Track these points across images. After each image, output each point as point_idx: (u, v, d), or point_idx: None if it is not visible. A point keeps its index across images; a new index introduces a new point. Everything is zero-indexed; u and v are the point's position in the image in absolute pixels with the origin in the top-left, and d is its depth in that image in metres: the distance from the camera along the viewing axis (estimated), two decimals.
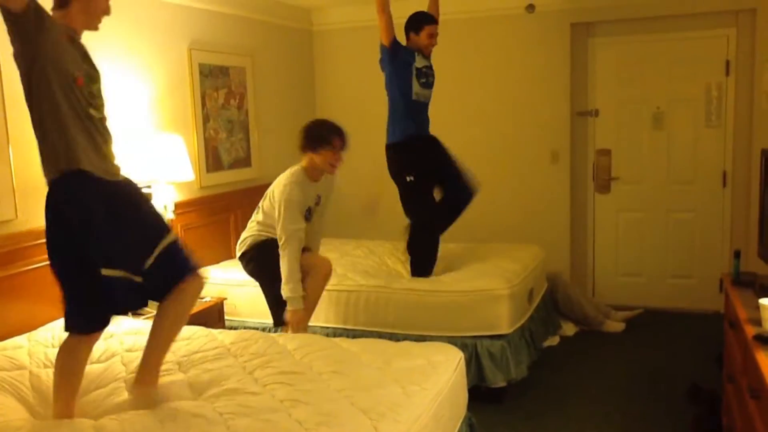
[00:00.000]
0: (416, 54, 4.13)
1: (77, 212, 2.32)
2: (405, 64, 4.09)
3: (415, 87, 4.12)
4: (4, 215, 3.23)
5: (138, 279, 2.42)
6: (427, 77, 4.21)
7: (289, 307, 3.64)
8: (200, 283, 2.57)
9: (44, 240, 2.43)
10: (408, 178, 4.13)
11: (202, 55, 4.63)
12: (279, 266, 3.66)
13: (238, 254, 3.97)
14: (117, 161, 2.51)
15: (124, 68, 4.00)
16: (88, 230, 2.31)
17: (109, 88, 3.82)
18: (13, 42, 2.25)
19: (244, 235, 3.97)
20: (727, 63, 5.16)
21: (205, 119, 4.68)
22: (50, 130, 2.30)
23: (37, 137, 2.34)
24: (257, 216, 3.95)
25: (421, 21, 4.15)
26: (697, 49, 5.23)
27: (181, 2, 4.44)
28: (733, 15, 5.08)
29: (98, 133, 2.39)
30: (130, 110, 4.00)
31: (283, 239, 3.66)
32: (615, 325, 5.02)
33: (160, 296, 2.50)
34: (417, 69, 4.13)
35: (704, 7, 5.06)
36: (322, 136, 3.68)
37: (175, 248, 2.50)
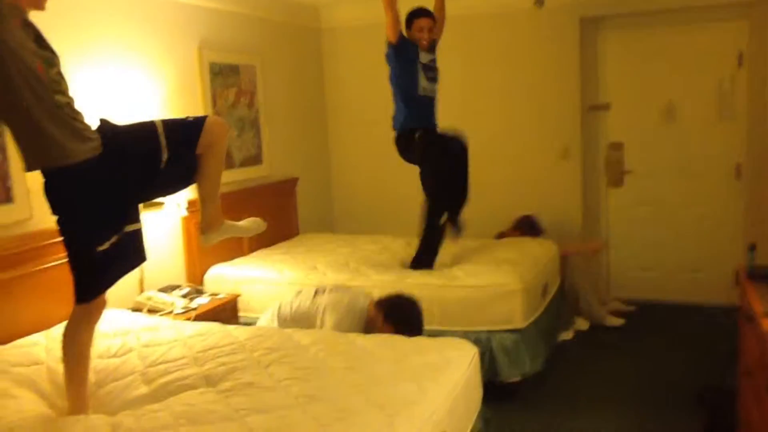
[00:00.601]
0: (419, 49, 4.13)
1: (66, 205, 2.37)
2: (410, 60, 4.12)
3: (422, 82, 4.15)
4: (20, 215, 3.26)
5: (137, 226, 2.51)
6: (433, 71, 4.22)
7: None
8: (216, 122, 2.58)
9: (60, 239, 2.45)
10: (416, 135, 4.15)
11: (212, 54, 4.64)
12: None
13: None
14: (94, 133, 2.42)
15: (136, 67, 4.02)
16: (80, 217, 2.37)
17: (121, 87, 3.86)
18: None
19: None
20: (740, 55, 5.12)
21: None
22: (23, 129, 2.26)
23: (14, 137, 2.30)
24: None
25: (411, 15, 4.20)
26: (709, 42, 5.20)
27: (191, 2, 4.45)
28: (746, 7, 5.04)
29: (71, 118, 2.32)
30: (141, 109, 4.01)
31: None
32: (614, 320, 5.00)
33: (193, 170, 2.58)
34: (422, 64, 4.14)
35: None
36: (403, 321, 3.44)
37: (171, 124, 2.54)
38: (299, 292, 3.70)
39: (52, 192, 2.37)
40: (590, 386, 4.01)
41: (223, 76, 4.77)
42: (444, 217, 4.23)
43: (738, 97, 5.18)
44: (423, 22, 4.17)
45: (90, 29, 3.68)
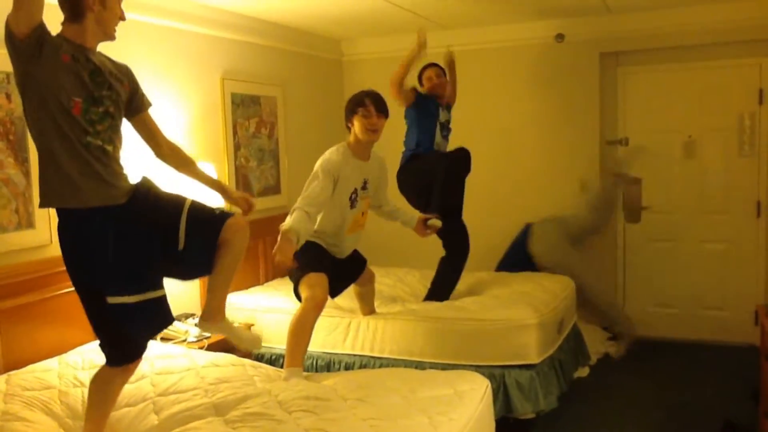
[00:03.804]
0: (439, 107, 4.34)
1: (76, 247, 2.30)
2: (430, 115, 4.31)
3: (437, 138, 4.34)
4: (40, 240, 3.31)
5: (159, 293, 2.42)
6: (447, 130, 4.43)
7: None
8: (237, 223, 2.55)
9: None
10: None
11: (234, 85, 4.71)
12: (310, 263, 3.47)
13: None
14: (124, 182, 2.43)
15: (160, 96, 4.09)
16: (89, 263, 2.30)
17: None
18: (14, 69, 2.21)
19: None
20: (761, 92, 5.11)
21: (237, 147, 4.75)
22: (47, 164, 2.25)
23: (40, 168, 2.30)
24: None
25: (421, 70, 4.49)
26: (729, 78, 5.19)
27: (215, 33, 4.54)
28: (766, 43, 5.03)
29: (97, 161, 2.29)
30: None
31: (298, 204, 3.41)
32: (615, 349, 4.94)
33: (209, 262, 2.54)
34: (440, 123, 4.35)
35: (735, 36, 5.03)
36: (355, 101, 3.58)
37: (197, 208, 2.53)
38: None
39: (63, 233, 2.32)
40: (606, 425, 3.94)
41: (245, 107, 4.84)
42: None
43: (758, 134, 5.15)
44: (430, 72, 4.45)
45: (119, 57, 3.75)
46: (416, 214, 4.06)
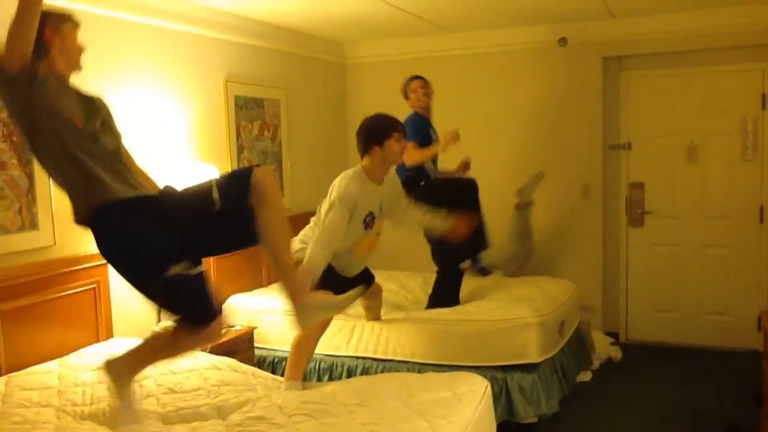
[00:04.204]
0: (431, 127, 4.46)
1: (127, 236, 2.40)
2: (428, 137, 4.41)
3: (428, 164, 4.41)
4: (43, 242, 3.32)
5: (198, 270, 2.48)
6: (436, 161, 4.52)
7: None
8: (260, 170, 2.45)
9: (81, 267, 2.48)
10: (421, 183, 4.28)
11: (237, 88, 4.73)
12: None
13: None
14: (146, 180, 2.58)
15: (164, 99, 4.11)
16: (143, 246, 2.39)
17: (149, 118, 3.95)
18: (7, 104, 2.34)
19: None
20: (764, 97, 5.10)
21: (240, 150, 4.76)
22: (71, 175, 2.37)
23: (60, 184, 2.42)
24: (307, 231, 3.72)
25: (406, 82, 4.60)
26: (732, 83, 5.19)
27: (218, 36, 4.56)
28: None
29: (116, 162, 2.45)
30: (167, 140, 4.10)
31: (317, 239, 3.36)
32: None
33: (250, 228, 2.46)
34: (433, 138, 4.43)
35: (739, 41, 5.02)
36: (385, 129, 3.52)
37: (222, 178, 2.53)
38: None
39: (104, 236, 2.41)
40: (608, 429, 3.94)
41: (248, 109, 4.85)
42: (466, 263, 4.31)
43: (761, 139, 5.14)
44: (415, 84, 4.53)
45: (123, 59, 3.78)
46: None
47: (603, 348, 5.10)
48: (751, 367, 4.51)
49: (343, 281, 3.53)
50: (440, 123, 5.85)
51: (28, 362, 3.09)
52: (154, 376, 3.01)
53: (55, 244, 3.36)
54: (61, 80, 2.42)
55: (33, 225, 3.29)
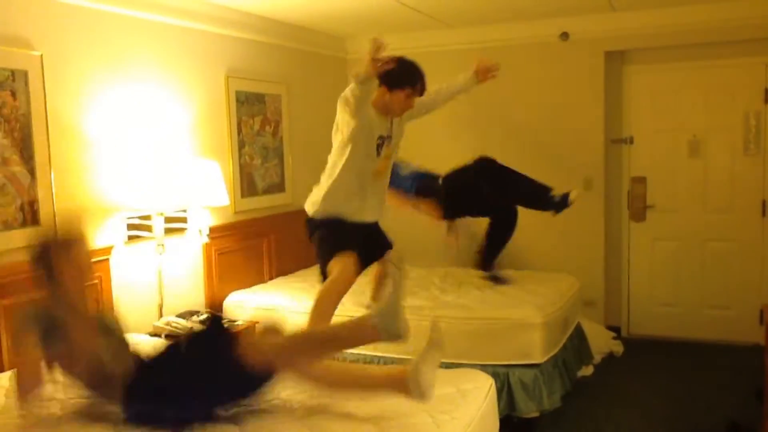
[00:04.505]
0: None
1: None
2: None
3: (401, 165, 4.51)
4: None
5: None
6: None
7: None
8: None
9: None
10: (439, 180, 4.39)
11: (238, 83, 4.72)
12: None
13: (309, 218, 3.68)
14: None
15: (165, 94, 4.10)
16: None
17: (150, 114, 3.94)
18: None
19: (312, 197, 3.67)
20: (766, 91, 5.09)
21: (241, 145, 4.76)
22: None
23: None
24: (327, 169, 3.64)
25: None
26: (735, 77, 5.18)
27: (219, 31, 4.54)
28: None
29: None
30: (168, 135, 4.09)
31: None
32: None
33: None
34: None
35: (741, 34, 5.01)
36: (400, 79, 3.38)
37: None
38: None
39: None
40: (609, 424, 3.94)
41: (249, 105, 4.84)
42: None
43: (764, 134, 5.13)
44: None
45: (124, 55, 3.78)
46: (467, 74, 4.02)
47: (605, 342, 5.11)
48: (753, 362, 4.51)
49: (359, 236, 3.45)
50: (442, 119, 5.86)
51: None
52: None
53: None
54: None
55: (35, 221, 3.29)
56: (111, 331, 2.51)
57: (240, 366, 2.28)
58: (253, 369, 2.31)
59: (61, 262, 2.41)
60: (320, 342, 2.39)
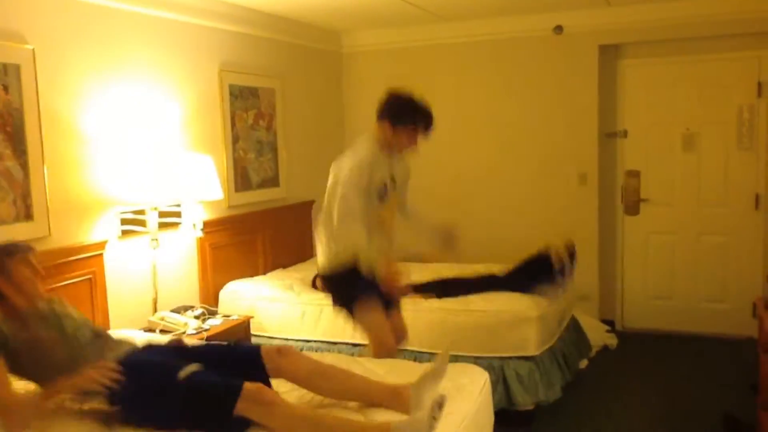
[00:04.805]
0: None
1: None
2: None
3: None
4: (38, 232, 3.30)
5: None
6: None
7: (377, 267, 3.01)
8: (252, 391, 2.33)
9: (76, 257, 2.46)
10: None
11: (232, 77, 4.70)
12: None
13: (321, 275, 3.50)
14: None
15: (157, 88, 4.08)
16: None
17: (143, 108, 3.92)
18: None
19: (320, 257, 3.42)
20: (759, 85, 5.10)
21: (235, 139, 4.74)
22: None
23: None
24: (325, 226, 3.34)
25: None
26: (728, 71, 5.18)
27: (212, 24, 4.52)
28: (765, 36, 5.02)
29: (99, 342, 2.59)
30: (162, 130, 4.07)
31: (338, 217, 3.10)
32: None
33: None
34: None
35: (734, 28, 5.01)
36: (408, 113, 3.23)
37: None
38: None
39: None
40: (604, 416, 3.96)
41: (243, 99, 4.82)
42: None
43: (757, 127, 5.14)
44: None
45: (116, 49, 3.75)
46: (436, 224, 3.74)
47: (599, 335, 5.12)
48: (748, 355, 4.54)
49: (371, 282, 3.23)
50: (436, 112, 5.84)
51: None
52: None
53: (50, 234, 3.34)
54: (23, 319, 2.43)
55: (28, 216, 3.27)
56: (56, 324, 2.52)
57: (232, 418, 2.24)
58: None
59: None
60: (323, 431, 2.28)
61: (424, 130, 3.30)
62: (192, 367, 2.33)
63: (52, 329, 2.46)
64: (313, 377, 2.48)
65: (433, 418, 2.23)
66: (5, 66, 3.15)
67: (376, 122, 3.34)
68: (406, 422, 2.23)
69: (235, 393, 2.22)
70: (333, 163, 3.37)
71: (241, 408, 2.21)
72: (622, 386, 4.42)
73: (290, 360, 2.50)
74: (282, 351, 2.55)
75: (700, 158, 5.33)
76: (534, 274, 3.56)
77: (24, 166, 3.25)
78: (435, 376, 2.51)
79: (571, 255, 3.59)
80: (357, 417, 2.40)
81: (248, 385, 2.24)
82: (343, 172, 3.23)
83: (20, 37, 3.23)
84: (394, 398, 2.45)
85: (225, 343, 2.64)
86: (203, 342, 2.61)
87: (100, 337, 2.64)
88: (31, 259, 2.52)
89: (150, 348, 2.68)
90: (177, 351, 2.60)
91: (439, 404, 2.29)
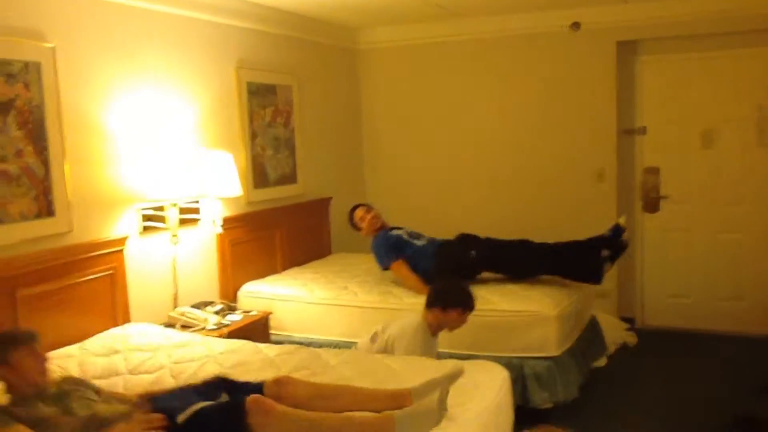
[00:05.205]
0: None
1: None
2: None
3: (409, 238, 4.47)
4: (60, 228, 3.33)
5: None
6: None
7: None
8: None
9: (97, 253, 2.46)
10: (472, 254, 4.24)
11: (249, 74, 4.72)
12: None
13: None
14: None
15: (176, 86, 4.10)
16: None
17: (162, 105, 3.95)
18: None
19: None
20: None
21: (253, 136, 4.76)
22: None
23: None
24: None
25: (350, 218, 4.68)
26: (747, 67, 5.13)
27: (229, 22, 4.54)
28: None
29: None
30: (181, 126, 4.10)
31: None
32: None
33: None
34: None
35: (753, 24, 4.96)
36: (453, 301, 3.49)
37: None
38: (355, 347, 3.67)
39: None
40: (621, 415, 3.94)
41: (260, 96, 4.84)
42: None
43: None
44: (359, 213, 4.62)
45: (136, 47, 3.78)
46: None
47: (618, 333, 5.10)
48: (765, 353, 4.50)
49: None
50: (453, 108, 5.85)
51: (48, 347, 3.10)
52: (170, 366, 3.03)
53: (71, 230, 3.37)
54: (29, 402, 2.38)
55: (50, 212, 3.30)
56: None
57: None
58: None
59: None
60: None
61: (471, 309, 3.51)
62: (195, 408, 2.33)
63: (57, 408, 2.41)
64: (314, 400, 2.49)
65: (442, 407, 2.23)
66: (26, 64, 3.18)
67: (428, 309, 3.50)
68: (410, 411, 2.23)
69: (241, 410, 2.23)
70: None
71: (252, 424, 2.23)
72: (641, 384, 4.39)
73: (288, 388, 2.53)
74: (280, 381, 2.58)
75: (718, 155, 5.28)
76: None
77: (45, 163, 3.28)
78: (440, 384, 2.48)
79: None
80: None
81: (249, 398, 2.27)
82: (400, 343, 3.42)
83: (41, 36, 3.26)
84: (396, 400, 2.46)
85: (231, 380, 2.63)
86: (212, 376, 2.60)
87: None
88: (35, 348, 2.49)
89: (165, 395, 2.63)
90: (192, 389, 2.58)
91: (446, 394, 2.30)
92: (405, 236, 4.43)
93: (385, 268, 4.35)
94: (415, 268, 4.24)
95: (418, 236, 4.49)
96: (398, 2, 4.88)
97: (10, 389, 2.42)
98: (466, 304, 3.50)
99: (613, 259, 4.19)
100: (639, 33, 5.31)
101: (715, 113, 5.26)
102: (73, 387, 2.53)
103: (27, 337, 2.51)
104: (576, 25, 5.36)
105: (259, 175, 4.82)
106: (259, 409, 2.24)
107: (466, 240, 4.36)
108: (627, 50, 5.42)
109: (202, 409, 2.33)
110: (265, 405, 2.27)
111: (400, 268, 4.26)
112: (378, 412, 2.42)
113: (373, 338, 3.57)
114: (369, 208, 4.67)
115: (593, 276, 4.13)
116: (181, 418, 2.29)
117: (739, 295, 5.30)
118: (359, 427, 2.27)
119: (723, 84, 5.22)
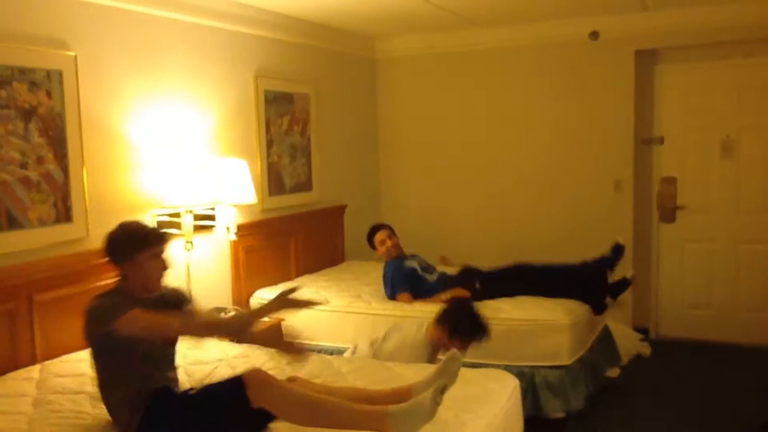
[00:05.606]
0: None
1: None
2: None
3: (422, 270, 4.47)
4: (77, 233, 3.38)
5: None
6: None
7: None
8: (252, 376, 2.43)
9: None
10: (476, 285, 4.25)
11: (267, 82, 4.76)
12: None
13: None
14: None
15: (194, 93, 4.15)
16: None
17: (180, 113, 4.00)
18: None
19: None
20: None
21: (269, 144, 4.80)
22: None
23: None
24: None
25: (370, 236, 4.61)
26: None
27: (248, 31, 4.59)
28: None
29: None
30: (198, 134, 4.14)
31: None
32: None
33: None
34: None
35: None
36: (473, 332, 3.43)
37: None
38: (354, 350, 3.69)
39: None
40: (636, 426, 3.90)
41: (278, 104, 4.88)
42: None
43: None
44: (381, 236, 4.55)
45: (155, 55, 3.84)
46: None
47: (632, 344, 5.06)
48: None
49: None
50: (469, 117, 5.86)
51: (63, 351, 3.16)
52: (184, 366, 3.06)
53: (88, 236, 3.42)
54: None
55: (67, 218, 3.36)
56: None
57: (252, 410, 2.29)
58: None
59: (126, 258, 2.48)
60: (323, 412, 2.29)
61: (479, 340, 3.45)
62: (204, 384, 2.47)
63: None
64: (316, 390, 2.52)
65: (435, 402, 2.24)
66: (48, 72, 3.25)
67: (433, 325, 3.48)
68: (405, 407, 2.25)
69: (239, 384, 2.28)
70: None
71: (251, 397, 2.26)
72: (655, 395, 4.35)
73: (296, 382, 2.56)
74: (289, 378, 2.61)
75: (739, 165, 5.23)
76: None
77: (65, 170, 3.34)
78: (441, 375, 2.50)
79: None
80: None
81: (247, 372, 2.34)
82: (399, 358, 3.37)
83: (63, 44, 3.33)
84: (396, 396, 2.47)
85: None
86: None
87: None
88: (161, 252, 2.55)
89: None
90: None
91: (441, 390, 2.29)
92: (419, 270, 4.42)
93: (392, 297, 4.32)
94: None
95: (430, 270, 4.48)
96: (416, 11, 4.91)
97: (123, 283, 2.49)
98: (474, 336, 3.40)
99: (615, 297, 4.24)
100: (658, 42, 5.28)
101: (735, 122, 5.22)
102: (175, 299, 2.63)
103: (157, 240, 2.55)
104: (594, 35, 5.35)
105: (274, 183, 4.85)
106: (258, 381, 2.29)
107: (469, 273, 4.40)
108: (645, 59, 5.39)
109: (209, 385, 2.45)
110: (264, 377, 2.32)
111: (407, 300, 4.25)
112: None
113: (372, 345, 3.57)
114: (391, 233, 4.59)
115: (595, 310, 4.13)
116: (193, 391, 2.42)
117: (761, 306, 5.23)
118: (354, 413, 2.28)
119: (743, 93, 5.18)
